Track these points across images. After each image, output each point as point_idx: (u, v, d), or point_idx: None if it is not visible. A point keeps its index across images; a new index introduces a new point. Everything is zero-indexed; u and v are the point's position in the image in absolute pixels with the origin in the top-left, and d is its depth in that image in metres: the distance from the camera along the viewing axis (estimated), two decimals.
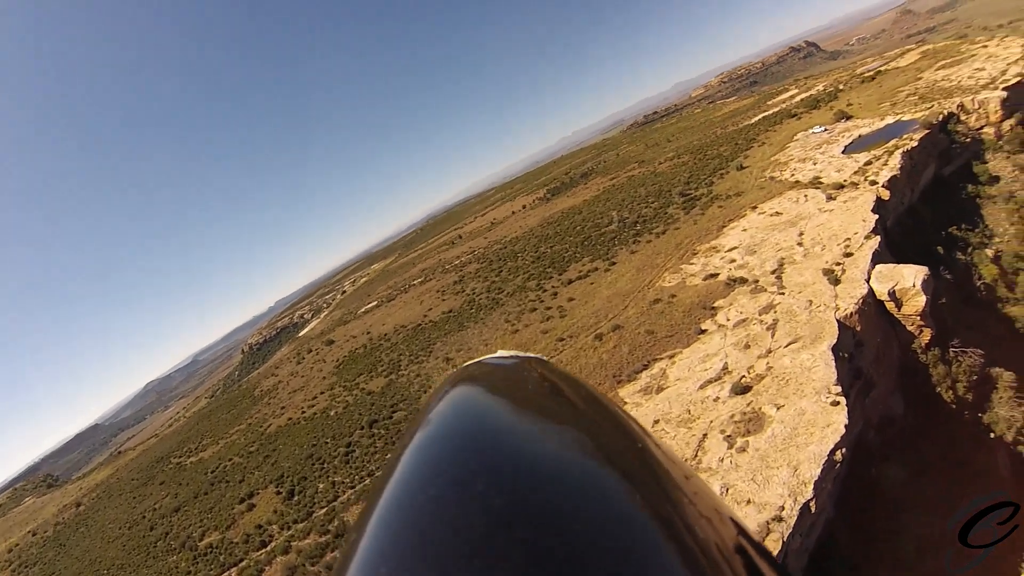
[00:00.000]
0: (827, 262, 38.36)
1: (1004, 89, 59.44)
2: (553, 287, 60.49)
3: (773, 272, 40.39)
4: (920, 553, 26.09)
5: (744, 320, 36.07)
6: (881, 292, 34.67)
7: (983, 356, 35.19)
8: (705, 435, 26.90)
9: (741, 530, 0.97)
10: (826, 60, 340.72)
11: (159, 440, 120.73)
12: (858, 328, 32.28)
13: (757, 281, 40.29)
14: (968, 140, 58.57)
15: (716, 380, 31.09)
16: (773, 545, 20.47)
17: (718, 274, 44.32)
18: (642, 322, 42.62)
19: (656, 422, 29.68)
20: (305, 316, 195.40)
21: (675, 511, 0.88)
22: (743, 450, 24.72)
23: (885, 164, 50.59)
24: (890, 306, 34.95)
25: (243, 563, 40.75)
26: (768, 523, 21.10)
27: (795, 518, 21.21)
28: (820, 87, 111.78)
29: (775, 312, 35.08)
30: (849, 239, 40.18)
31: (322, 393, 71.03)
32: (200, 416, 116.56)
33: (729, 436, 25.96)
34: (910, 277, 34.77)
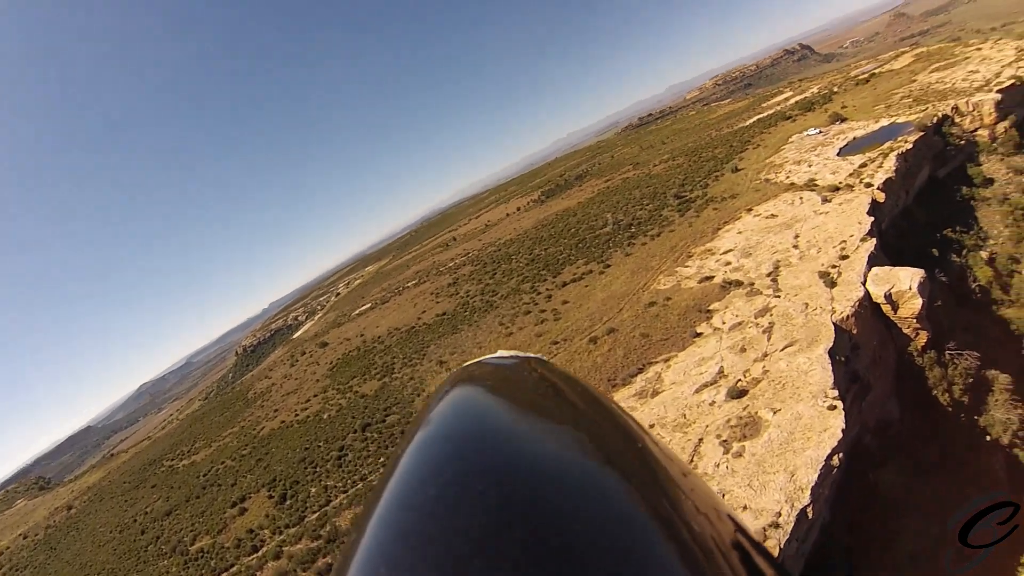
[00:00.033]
0: (823, 265, 38.19)
1: (998, 91, 59.58)
2: (547, 290, 60.25)
3: (769, 275, 40.18)
4: (917, 557, 25.94)
5: (740, 323, 35.83)
6: (877, 295, 34.50)
7: (979, 359, 35.07)
8: (701, 440, 26.65)
9: (741, 530, 0.97)
10: (820, 63, 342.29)
11: (152, 443, 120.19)
12: (854, 331, 32.09)
13: (753, 284, 40.08)
14: (962, 142, 58.65)
15: (712, 384, 30.83)
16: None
17: (713, 277, 44.10)
18: (637, 325, 42.38)
19: (651, 426, 29.38)
20: (299, 318, 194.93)
21: (675, 511, 0.88)
22: (739, 455, 24.46)
23: (880, 166, 50.53)
24: (886, 309, 34.79)
25: (234, 568, 40.36)
26: (765, 529, 20.85)
27: (792, 524, 20.96)
28: (815, 89, 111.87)
29: (771, 315, 34.85)
30: (845, 241, 40.02)
31: (315, 396, 70.71)
32: (193, 419, 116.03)
33: (725, 441, 25.69)
34: (906, 280, 34.62)
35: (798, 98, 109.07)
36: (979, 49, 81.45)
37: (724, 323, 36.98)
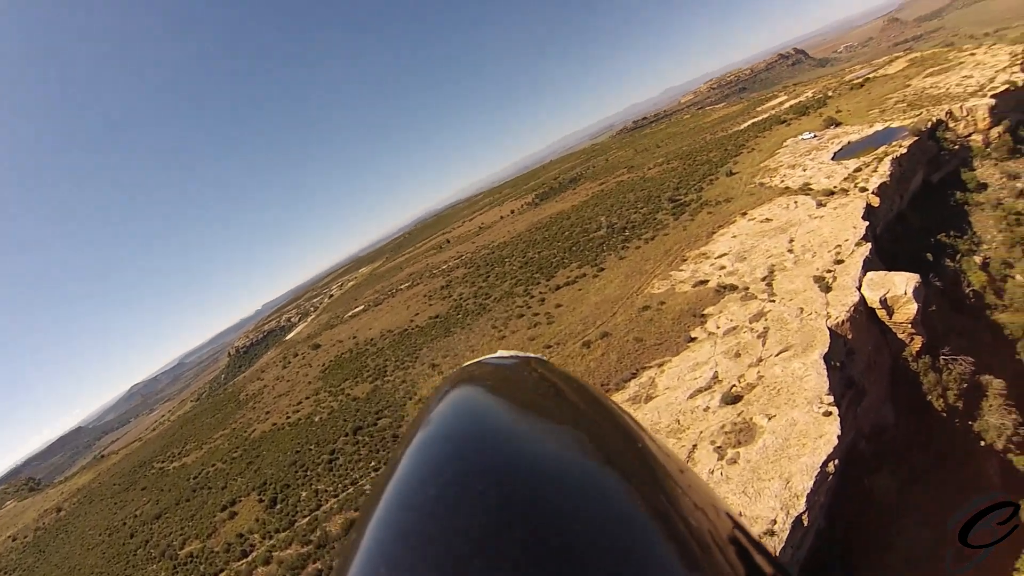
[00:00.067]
0: (818, 269, 38.03)
1: (992, 96, 59.85)
2: (541, 293, 59.96)
3: (763, 279, 40.00)
4: (913, 562, 25.80)
5: (734, 328, 35.61)
6: (872, 300, 34.37)
7: (973, 364, 35.02)
8: (695, 446, 26.41)
9: (741, 530, 0.98)
10: (814, 67, 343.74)
11: (142, 444, 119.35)
12: (849, 336, 31.94)
13: (747, 288, 39.88)
14: (956, 147, 58.83)
15: (706, 389, 30.58)
16: None
17: (708, 281, 43.88)
18: (631, 329, 42.13)
19: None
20: (292, 319, 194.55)
21: (675, 511, 0.88)
22: (734, 461, 24.23)
23: (875, 171, 50.55)
24: (881, 314, 34.65)
25: (223, 573, 39.91)
26: (760, 537, 20.54)
27: (787, 532, 20.76)
28: (809, 94, 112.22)
29: (766, 320, 34.66)
30: (840, 246, 39.91)
31: (307, 398, 70.25)
32: (184, 420, 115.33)
33: (720, 447, 25.46)
34: (901, 284, 34.50)
35: (793, 102, 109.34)
36: (973, 54, 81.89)
37: (719, 328, 36.74)
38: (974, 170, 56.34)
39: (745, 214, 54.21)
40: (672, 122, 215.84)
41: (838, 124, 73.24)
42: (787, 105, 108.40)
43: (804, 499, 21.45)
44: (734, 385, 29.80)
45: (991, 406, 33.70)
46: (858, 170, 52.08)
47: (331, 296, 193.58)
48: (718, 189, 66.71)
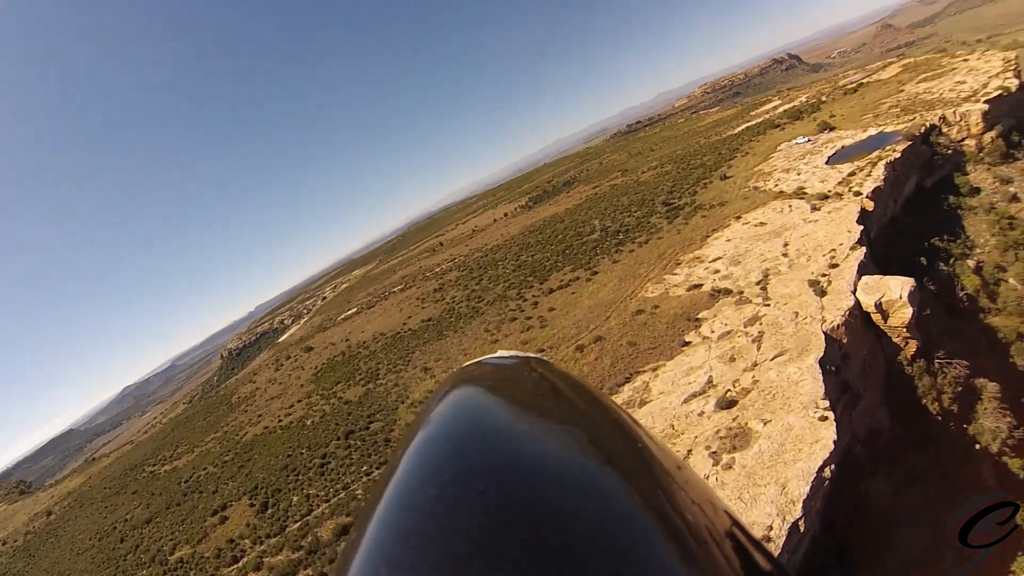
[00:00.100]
0: (813, 273, 37.95)
1: (985, 102, 59.94)
2: (534, 296, 59.74)
3: (758, 283, 39.89)
4: (909, 566, 25.71)
5: (729, 332, 35.47)
6: (868, 304, 34.30)
7: (968, 367, 35.00)
8: (690, 451, 26.20)
9: (742, 530, 0.98)
10: (808, 72, 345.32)
11: (134, 447, 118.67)
12: (844, 340, 31.84)
13: (742, 292, 39.77)
14: (950, 152, 58.96)
15: (701, 394, 30.41)
16: None
17: (702, 285, 43.77)
18: (624, 333, 41.95)
19: None
20: (285, 322, 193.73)
21: (675, 511, 0.89)
22: (729, 467, 24.03)
23: (869, 175, 50.56)
24: (876, 318, 34.59)
25: None
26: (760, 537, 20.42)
27: (783, 538, 20.55)
28: (803, 98, 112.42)
29: (760, 324, 34.53)
30: (834, 250, 39.85)
31: (299, 401, 69.84)
32: (176, 423, 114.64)
33: (715, 452, 25.26)
34: (896, 289, 34.44)
35: (787, 107, 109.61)
36: (966, 60, 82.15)
37: (713, 332, 36.60)
38: (967, 174, 56.46)
39: (739, 218, 54.15)
40: (666, 126, 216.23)
41: (832, 128, 73.34)
42: (781, 109, 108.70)
43: (800, 505, 21.27)
44: (729, 390, 29.62)
45: (986, 409, 33.75)
46: (852, 174, 52.08)
47: (324, 298, 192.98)
48: (712, 193, 66.67)
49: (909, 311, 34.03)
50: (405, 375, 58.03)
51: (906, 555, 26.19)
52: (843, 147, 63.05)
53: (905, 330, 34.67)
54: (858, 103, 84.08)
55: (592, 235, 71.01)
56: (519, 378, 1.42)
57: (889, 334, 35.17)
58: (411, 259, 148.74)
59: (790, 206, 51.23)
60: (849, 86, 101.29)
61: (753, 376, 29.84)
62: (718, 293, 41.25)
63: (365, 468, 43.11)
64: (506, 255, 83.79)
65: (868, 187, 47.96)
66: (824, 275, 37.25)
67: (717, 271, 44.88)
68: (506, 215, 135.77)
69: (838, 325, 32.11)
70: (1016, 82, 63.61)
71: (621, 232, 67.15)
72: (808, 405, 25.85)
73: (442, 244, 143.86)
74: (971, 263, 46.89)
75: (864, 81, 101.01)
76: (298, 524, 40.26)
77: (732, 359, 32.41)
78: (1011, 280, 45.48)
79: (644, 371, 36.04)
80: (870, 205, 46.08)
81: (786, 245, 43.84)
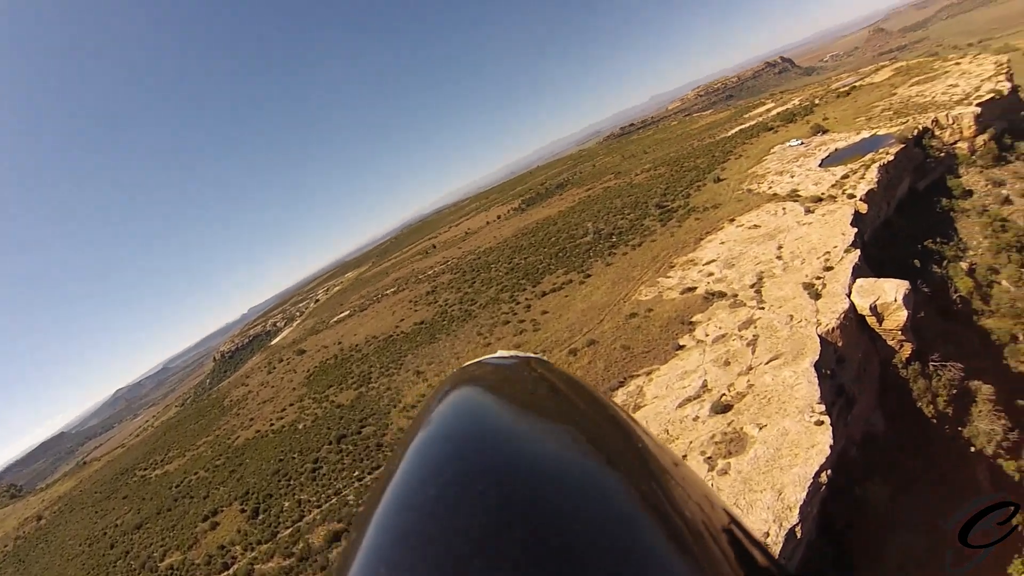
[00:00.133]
0: (807, 276, 37.81)
1: (978, 105, 60.11)
2: (527, 299, 59.55)
3: (752, 286, 39.73)
4: (905, 570, 25.51)
5: (723, 336, 35.26)
6: (862, 307, 34.15)
7: (963, 370, 34.91)
8: (685, 456, 25.92)
9: (743, 530, 0.99)
10: (801, 75, 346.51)
11: (125, 451, 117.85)
12: (840, 344, 31.67)
13: (736, 295, 39.60)
14: (942, 154, 59.10)
15: (695, 398, 30.19)
16: None
17: (696, 288, 43.60)
18: (618, 337, 41.74)
19: None
20: (278, 324, 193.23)
21: (675, 511, 0.89)
22: (725, 472, 23.78)
23: (862, 177, 50.57)
24: (871, 321, 34.45)
25: None
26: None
27: (780, 545, 20.31)
28: (796, 101, 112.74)
29: (755, 327, 34.34)
30: (829, 252, 39.73)
31: (291, 405, 69.48)
32: (168, 426, 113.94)
33: (710, 458, 25.00)
34: (891, 291, 34.32)
35: (780, 109, 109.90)
36: (958, 63, 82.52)
37: (707, 335, 36.40)
38: (960, 177, 56.60)
39: (733, 220, 54.07)
40: (659, 128, 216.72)
41: (825, 131, 73.47)
42: (774, 112, 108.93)
43: (797, 511, 21.03)
44: (724, 394, 29.39)
45: (980, 412, 33.65)
46: (845, 177, 52.10)
47: (317, 301, 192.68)
48: (706, 195, 66.64)
49: (904, 314, 33.92)
50: (397, 379, 57.73)
51: (903, 559, 26.01)
52: (836, 150, 63.15)
53: (900, 333, 34.55)
54: (851, 106, 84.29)
55: (585, 238, 70.92)
56: (519, 378, 1.42)
57: (884, 337, 35.04)
58: (404, 261, 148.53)
59: (784, 208, 51.16)
60: (842, 89, 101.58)
61: (748, 380, 29.62)
62: (712, 296, 41.07)
63: (357, 473, 42.75)
64: (499, 258, 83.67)
65: (862, 190, 47.96)
66: (819, 278, 37.12)
67: (711, 274, 44.72)
68: (499, 217, 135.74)
69: (833, 328, 31.94)
70: (1008, 85, 63.88)
71: (614, 235, 67.07)
72: (804, 409, 25.64)
73: (435, 246, 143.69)
74: (964, 265, 46.92)
75: (857, 84, 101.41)
76: (289, 530, 39.87)
77: (727, 363, 32.19)
78: (1004, 282, 45.51)
79: (638, 375, 35.82)
80: (864, 208, 46.06)
81: (780, 248, 43.72)
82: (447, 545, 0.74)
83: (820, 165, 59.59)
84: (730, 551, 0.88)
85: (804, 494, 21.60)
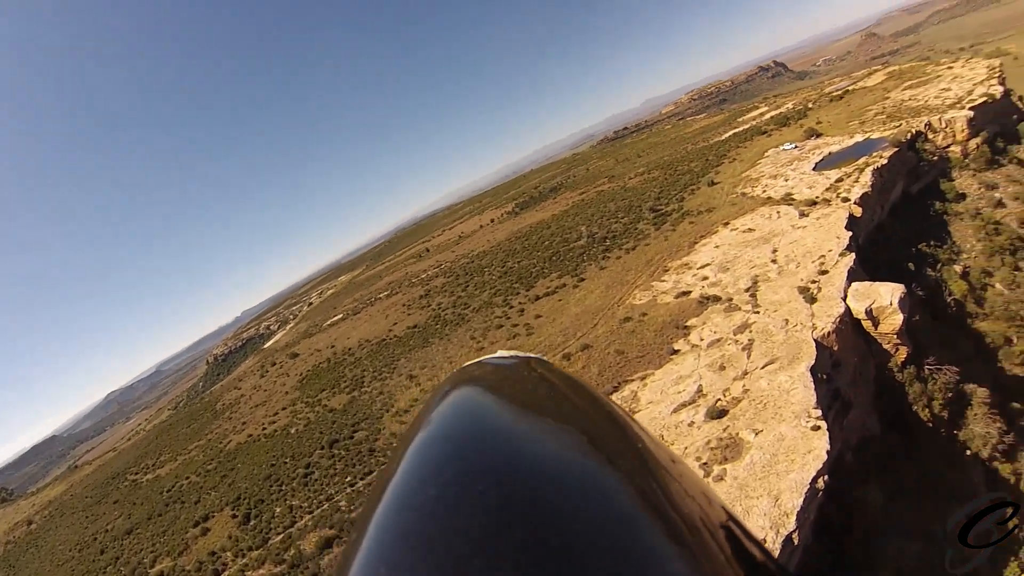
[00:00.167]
0: (802, 280, 37.70)
1: (971, 109, 60.34)
2: (520, 303, 59.35)
3: (747, 290, 39.60)
4: (901, 573, 25.34)
5: (718, 340, 35.09)
6: (858, 310, 34.06)
7: (958, 373, 34.87)
8: None
9: (743, 531, 0.99)
10: (794, 80, 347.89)
11: (117, 455, 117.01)
12: (835, 348, 31.55)
13: (731, 299, 39.44)
14: (935, 158, 59.28)
15: (690, 403, 29.97)
16: None
17: (690, 292, 43.44)
18: (612, 341, 41.54)
19: None
20: (271, 327, 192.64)
21: (675, 511, 0.89)
22: (721, 479, 23.58)
23: (856, 181, 50.62)
24: (866, 324, 34.36)
25: None
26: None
27: (777, 551, 20.12)
28: (789, 105, 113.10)
29: (750, 332, 34.19)
30: (824, 256, 39.65)
31: (284, 409, 69.03)
32: (160, 430, 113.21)
33: (706, 464, 24.79)
34: (887, 295, 34.24)
35: (773, 113, 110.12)
36: (950, 68, 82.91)
37: (702, 340, 36.22)
38: (953, 180, 56.81)
39: (727, 224, 53.99)
40: (653, 132, 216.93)
41: (819, 135, 73.58)
42: (768, 116, 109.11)
43: (794, 517, 20.85)
44: (719, 399, 29.21)
45: (976, 415, 33.64)
46: (840, 180, 52.14)
47: (310, 304, 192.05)
48: (700, 199, 66.60)
49: (900, 317, 33.84)
50: (390, 383, 57.42)
51: (900, 563, 25.85)
52: (830, 153, 63.24)
53: (895, 336, 34.47)
54: (844, 110, 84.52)
55: (579, 241, 70.76)
56: (519, 378, 1.41)
57: (879, 341, 34.95)
58: (397, 265, 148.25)
59: (778, 212, 51.12)
60: (835, 93, 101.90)
61: (744, 385, 29.46)
62: (707, 300, 40.90)
63: (349, 479, 42.40)
64: (492, 261, 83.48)
65: (856, 193, 47.98)
66: (814, 282, 37.01)
67: (706, 278, 44.56)
68: (492, 221, 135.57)
69: (829, 332, 31.82)
70: (1001, 89, 64.18)
71: (608, 238, 66.93)
72: (800, 414, 25.48)
73: (428, 250, 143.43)
74: (958, 268, 47.00)
75: (850, 88, 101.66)
76: (280, 536, 39.46)
77: (722, 368, 32.02)
78: (997, 285, 45.62)
79: (632, 380, 35.59)
80: (858, 211, 46.05)
81: (775, 251, 43.62)
82: (447, 545, 0.75)
83: (814, 169, 59.62)
84: (729, 550, 0.88)
85: (801, 500, 21.42)
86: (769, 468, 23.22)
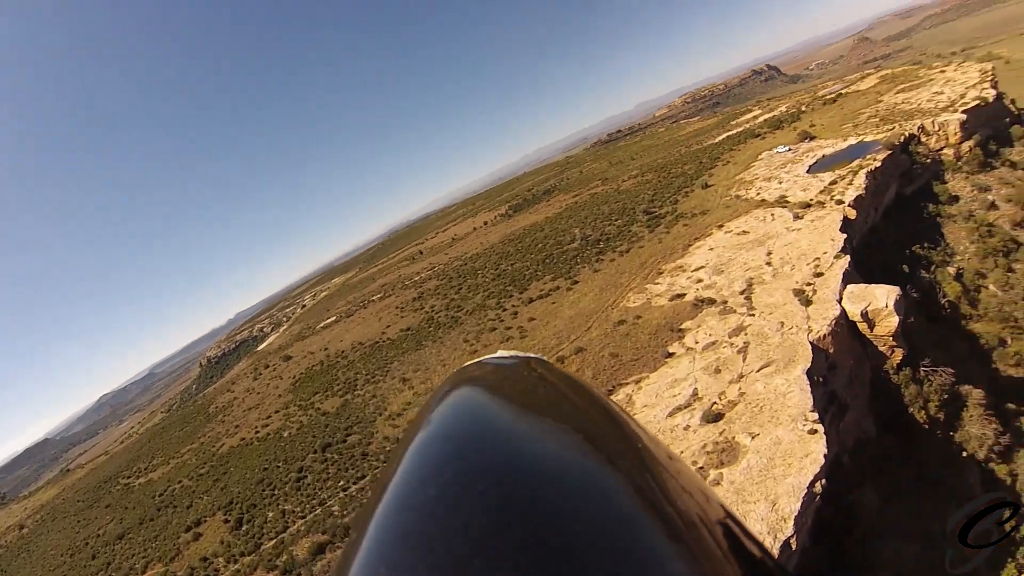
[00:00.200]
0: (797, 282, 37.59)
1: (963, 112, 60.58)
2: (513, 306, 59.09)
3: (742, 292, 39.45)
4: None
5: (713, 343, 34.92)
6: (853, 313, 33.99)
7: (953, 375, 34.91)
8: None
9: (743, 530, 0.99)
10: (787, 83, 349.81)
11: (109, 458, 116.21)
12: (831, 350, 31.46)
13: (726, 302, 39.29)
14: (928, 161, 59.46)
15: (686, 407, 29.79)
16: None
17: (685, 294, 43.29)
18: (606, 344, 41.34)
19: None
20: (265, 330, 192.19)
21: (675, 511, 0.89)
22: (717, 483, 23.37)
23: (850, 183, 50.70)
24: (862, 327, 34.31)
25: None
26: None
27: (775, 556, 19.93)
28: (783, 108, 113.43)
29: (745, 334, 34.04)
30: (819, 258, 39.60)
31: (277, 412, 68.55)
32: (152, 433, 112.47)
33: (702, 468, 24.59)
34: (882, 297, 34.21)
35: (767, 116, 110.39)
36: (943, 71, 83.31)
37: (697, 342, 36.05)
38: (946, 183, 57.06)
39: (722, 226, 53.92)
40: (647, 135, 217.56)
41: (812, 138, 73.72)
42: (761, 119, 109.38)
43: (792, 522, 20.67)
44: (715, 402, 29.03)
45: (971, 416, 33.71)
46: (834, 183, 52.21)
47: (304, 306, 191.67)
48: (694, 201, 66.56)
49: (895, 320, 33.80)
50: (383, 386, 57.06)
51: (896, 565, 25.76)
52: (824, 156, 63.36)
53: (891, 339, 34.43)
54: (837, 113, 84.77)
55: (572, 244, 70.57)
56: (519, 378, 1.43)
57: (875, 343, 34.91)
58: (391, 267, 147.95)
59: (772, 215, 51.08)
60: (828, 96, 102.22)
61: (739, 388, 29.30)
62: (701, 303, 40.76)
63: (342, 483, 42.04)
64: (486, 264, 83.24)
65: (850, 196, 48.02)
66: (809, 284, 36.92)
67: (700, 280, 44.43)
68: (486, 224, 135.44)
69: (824, 335, 31.71)
70: (993, 92, 64.45)
71: (602, 241, 66.78)
72: (796, 418, 25.34)
73: (422, 252, 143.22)
74: (952, 270, 47.18)
75: (843, 92, 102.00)
76: (273, 542, 39.07)
77: (717, 371, 31.86)
78: (991, 286, 45.81)
79: (627, 383, 35.39)
80: (852, 213, 46.08)
81: (769, 254, 43.54)
82: (447, 545, 0.74)
83: (808, 171, 59.73)
84: (728, 548, 0.88)
85: (799, 504, 21.26)
86: (766, 472, 23.06)
